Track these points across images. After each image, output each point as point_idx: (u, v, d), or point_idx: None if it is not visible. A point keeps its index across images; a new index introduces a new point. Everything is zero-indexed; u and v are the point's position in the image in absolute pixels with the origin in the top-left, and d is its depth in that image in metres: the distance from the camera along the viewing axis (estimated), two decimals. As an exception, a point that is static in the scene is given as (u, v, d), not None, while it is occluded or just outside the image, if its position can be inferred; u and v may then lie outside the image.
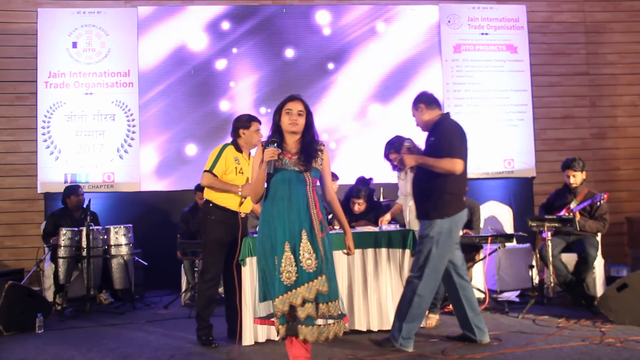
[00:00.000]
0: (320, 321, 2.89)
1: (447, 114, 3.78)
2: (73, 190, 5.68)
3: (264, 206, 3.01)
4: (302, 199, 2.95)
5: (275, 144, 2.95)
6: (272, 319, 2.95)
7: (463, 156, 3.56)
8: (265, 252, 2.94)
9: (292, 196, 2.93)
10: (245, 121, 3.99)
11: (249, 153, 4.06)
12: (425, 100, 3.72)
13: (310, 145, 3.03)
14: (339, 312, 2.90)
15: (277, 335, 2.96)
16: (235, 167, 3.89)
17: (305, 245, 2.86)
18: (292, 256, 2.85)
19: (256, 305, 3.01)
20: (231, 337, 3.91)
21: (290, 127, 2.99)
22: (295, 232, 2.88)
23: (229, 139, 4.06)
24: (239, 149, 3.99)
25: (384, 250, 4.00)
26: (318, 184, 3.10)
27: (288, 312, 2.86)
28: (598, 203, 4.83)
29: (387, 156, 4.41)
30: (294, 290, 2.82)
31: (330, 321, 2.90)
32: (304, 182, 2.98)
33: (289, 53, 6.70)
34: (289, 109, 3.00)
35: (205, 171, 3.88)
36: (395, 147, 4.33)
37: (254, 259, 3.71)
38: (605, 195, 4.77)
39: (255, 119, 4.02)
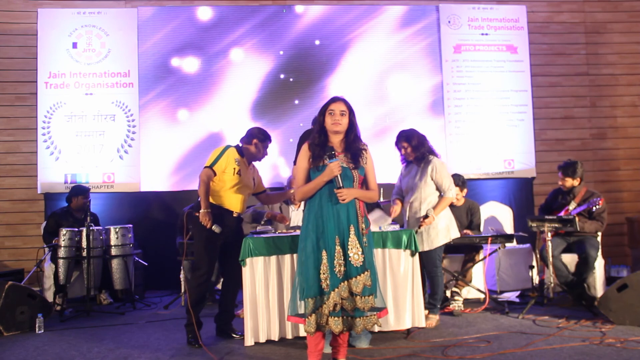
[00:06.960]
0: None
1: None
2: (82, 191, 5.63)
3: (311, 202, 3.09)
4: None
5: (336, 157, 3.01)
6: (303, 317, 2.98)
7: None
8: (311, 246, 2.97)
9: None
10: (263, 135, 4.08)
11: (249, 162, 4.10)
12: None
13: (354, 144, 3.13)
14: (372, 306, 2.97)
15: (309, 329, 2.91)
16: (234, 168, 3.92)
17: (353, 240, 2.97)
18: (341, 250, 2.95)
19: (297, 302, 3.02)
20: (220, 336, 4.02)
21: (333, 127, 3.07)
22: (344, 227, 2.99)
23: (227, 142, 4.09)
24: (241, 153, 4.02)
25: (384, 250, 3.98)
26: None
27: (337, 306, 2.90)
28: (593, 209, 4.82)
29: (397, 144, 4.43)
30: (343, 283, 2.91)
31: (368, 314, 2.98)
32: (352, 179, 3.07)
33: (289, 53, 6.70)
34: (332, 110, 3.08)
35: (205, 167, 3.91)
36: (408, 138, 4.35)
37: (254, 259, 3.75)
38: (600, 201, 4.76)
39: (270, 139, 4.14)
